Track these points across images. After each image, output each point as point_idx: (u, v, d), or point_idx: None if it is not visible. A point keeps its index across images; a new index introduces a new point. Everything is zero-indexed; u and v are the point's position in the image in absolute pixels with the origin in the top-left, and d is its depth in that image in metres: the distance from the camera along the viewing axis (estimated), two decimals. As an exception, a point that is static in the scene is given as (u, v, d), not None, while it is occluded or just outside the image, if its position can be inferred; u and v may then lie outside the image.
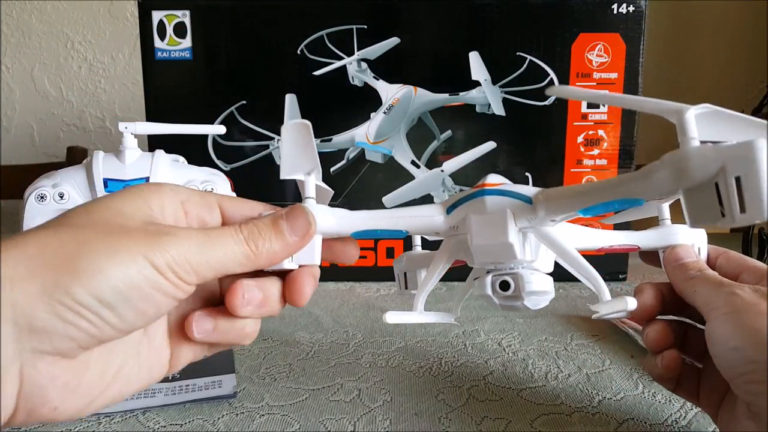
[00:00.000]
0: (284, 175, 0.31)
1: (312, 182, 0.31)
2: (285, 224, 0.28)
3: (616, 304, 0.29)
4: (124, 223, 0.25)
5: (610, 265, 0.71)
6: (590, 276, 0.30)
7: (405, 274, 0.43)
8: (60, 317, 0.22)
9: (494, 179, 0.30)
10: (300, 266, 0.29)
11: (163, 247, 0.24)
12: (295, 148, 0.30)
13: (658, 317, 0.36)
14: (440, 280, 0.32)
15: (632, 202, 0.25)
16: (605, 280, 0.31)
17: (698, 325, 0.36)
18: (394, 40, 0.68)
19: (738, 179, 0.22)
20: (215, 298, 0.30)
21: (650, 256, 0.40)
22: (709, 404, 0.34)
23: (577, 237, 0.32)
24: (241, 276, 0.28)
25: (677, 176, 0.24)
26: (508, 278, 0.29)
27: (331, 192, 0.34)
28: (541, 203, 0.28)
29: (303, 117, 0.69)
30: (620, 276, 0.72)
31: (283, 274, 0.30)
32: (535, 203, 0.28)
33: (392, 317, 0.32)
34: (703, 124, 0.25)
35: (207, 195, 0.29)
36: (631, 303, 0.29)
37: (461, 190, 0.68)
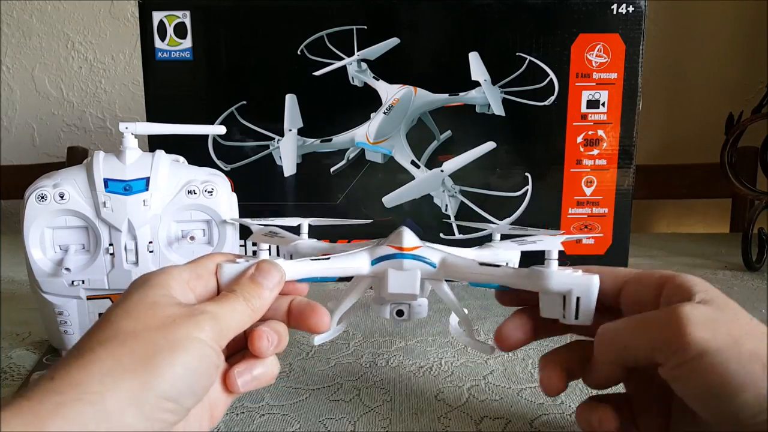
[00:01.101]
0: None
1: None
2: (263, 281, 0.33)
3: (481, 346, 0.40)
4: (164, 313, 0.29)
5: (610, 264, 0.71)
6: (462, 317, 0.41)
7: (291, 255, 0.51)
8: (145, 416, 0.25)
9: (411, 242, 0.38)
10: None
11: (201, 325, 0.29)
12: None
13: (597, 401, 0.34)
14: None
15: (507, 287, 0.36)
16: None
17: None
18: (394, 41, 0.68)
19: (578, 298, 0.33)
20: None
21: (510, 296, 0.38)
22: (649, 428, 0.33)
23: (461, 270, 0.39)
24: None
25: (540, 286, 0.34)
26: (403, 308, 0.40)
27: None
28: (441, 270, 0.38)
29: (303, 117, 0.69)
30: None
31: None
32: (438, 268, 0.38)
33: (319, 340, 0.40)
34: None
35: (199, 267, 0.33)
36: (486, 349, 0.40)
37: (452, 196, 0.68)
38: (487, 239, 0.73)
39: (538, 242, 0.37)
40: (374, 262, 0.38)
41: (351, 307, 0.41)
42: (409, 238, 0.38)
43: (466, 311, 0.41)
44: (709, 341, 0.26)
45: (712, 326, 0.26)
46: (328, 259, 0.38)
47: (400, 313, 0.40)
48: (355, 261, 0.38)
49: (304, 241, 0.52)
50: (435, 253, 0.38)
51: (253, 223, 0.51)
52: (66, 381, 0.24)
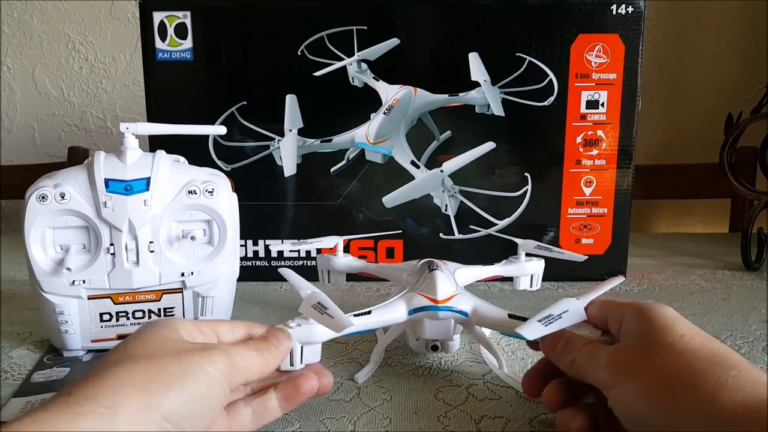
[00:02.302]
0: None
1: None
2: (274, 340, 0.36)
3: (513, 381, 0.45)
4: (177, 346, 0.31)
5: (610, 264, 0.71)
6: (491, 348, 0.46)
7: (329, 272, 0.59)
8: None
9: (445, 292, 0.42)
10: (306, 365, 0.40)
11: (213, 359, 0.30)
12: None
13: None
14: None
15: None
16: (603, 279, 0.43)
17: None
18: (394, 41, 0.68)
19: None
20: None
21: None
22: None
23: (491, 320, 0.43)
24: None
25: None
26: (437, 344, 0.46)
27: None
28: (473, 318, 0.42)
29: (303, 118, 0.69)
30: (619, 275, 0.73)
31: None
32: (471, 317, 0.42)
33: (362, 377, 0.46)
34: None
35: (204, 325, 0.36)
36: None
37: (452, 196, 0.69)
38: (486, 240, 0.73)
39: (561, 309, 0.38)
40: (411, 312, 0.42)
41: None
42: (442, 288, 0.42)
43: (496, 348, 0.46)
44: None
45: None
46: (370, 313, 0.41)
47: (435, 348, 0.45)
48: (394, 312, 0.42)
49: (340, 259, 0.57)
50: (468, 301, 0.43)
51: (285, 245, 0.62)
52: (82, 395, 0.26)
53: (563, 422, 0.36)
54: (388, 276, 0.56)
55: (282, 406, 0.37)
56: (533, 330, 0.36)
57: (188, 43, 0.68)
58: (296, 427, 0.40)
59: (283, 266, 0.72)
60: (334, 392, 0.44)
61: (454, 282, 0.45)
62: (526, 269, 0.55)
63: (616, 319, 0.35)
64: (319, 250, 0.70)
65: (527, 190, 0.70)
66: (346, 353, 0.51)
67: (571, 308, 0.37)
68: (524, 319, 0.38)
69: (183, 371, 0.29)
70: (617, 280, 0.43)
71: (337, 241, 0.57)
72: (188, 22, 0.68)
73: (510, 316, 0.41)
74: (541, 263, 0.56)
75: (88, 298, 0.48)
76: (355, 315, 0.41)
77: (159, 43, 0.68)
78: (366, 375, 0.45)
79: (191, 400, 0.28)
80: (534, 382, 0.39)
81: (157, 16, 0.67)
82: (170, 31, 0.68)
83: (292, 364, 0.38)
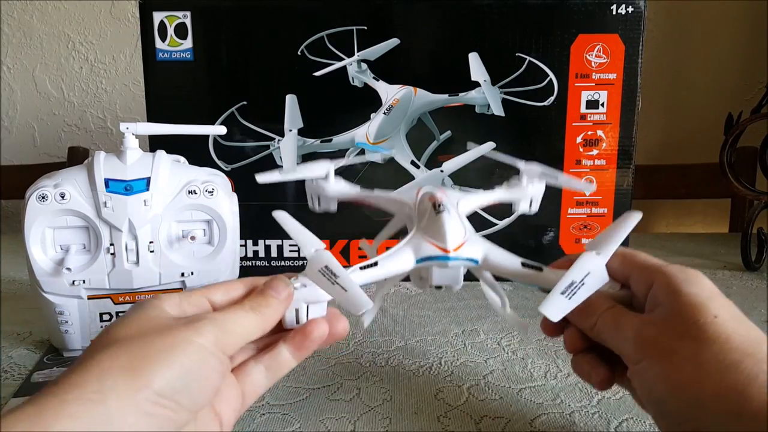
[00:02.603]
0: None
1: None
2: (271, 291, 0.34)
3: (519, 323, 0.41)
4: (162, 323, 0.29)
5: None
6: (496, 289, 0.42)
7: (319, 198, 0.52)
8: (145, 413, 0.26)
9: (455, 241, 0.38)
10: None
11: (201, 330, 0.29)
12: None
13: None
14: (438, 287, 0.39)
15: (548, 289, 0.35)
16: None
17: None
18: (394, 41, 0.68)
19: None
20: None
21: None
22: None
23: (503, 268, 0.40)
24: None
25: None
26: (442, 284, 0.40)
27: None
28: (484, 265, 0.39)
29: (303, 118, 0.69)
30: (635, 213, 0.72)
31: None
32: (481, 264, 0.38)
33: (367, 320, 0.40)
34: None
35: (193, 296, 0.34)
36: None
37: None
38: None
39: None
40: (419, 261, 0.38)
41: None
42: (452, 235, 0.38)
43: (503, 291, 0.42)
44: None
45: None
46: (377, 264, 0.37)
47: (438, 287, 0.39)
48: (401, 262, 0.38)
49: (331, 185, 0.51)
50: (478, 247, 0.39)
51: (272, 178, 0.51)
52: (67, 383, 0.25)
53: (583, 371, 0.34)
54: (384, 206, 0.51)
55: (295, 356, 0.35)
56: (557, 308, 0.33)
57: (188, 43, 0.68)
58: (296, 427, 0.40)
59: (282, 266, 0.73)
60: (334, 392, 0.44)
61: (463, 224, 0.41)
62: (527, 193, 0.51)
63: (643, 282, 0.33)
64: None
65: (527, 190, 0.70)
66: (347, 352, 0.51)
67: (593, 269, 0.34)
68: (539, 269, 0.37)
69: (169, 346, 0.28)
70: (634, 219, 0.39)
71: (328, 167, 0.51)
72: (188, 22, 0.68)
73: (524, 264, 0.38)
74: (542, 186, 0.52)
75: (88, 298, 0.48)
76: (361, 268, 0.37)
77: (159, 43, 0.68)
78: (370, 319, 0.42)
79: (183, 374, 0.27)
80: (553, 323, 0.37)
81: (157, 16, 0.67)
82: (170, 31, 0.68)
83: (297, 322, 0.35)
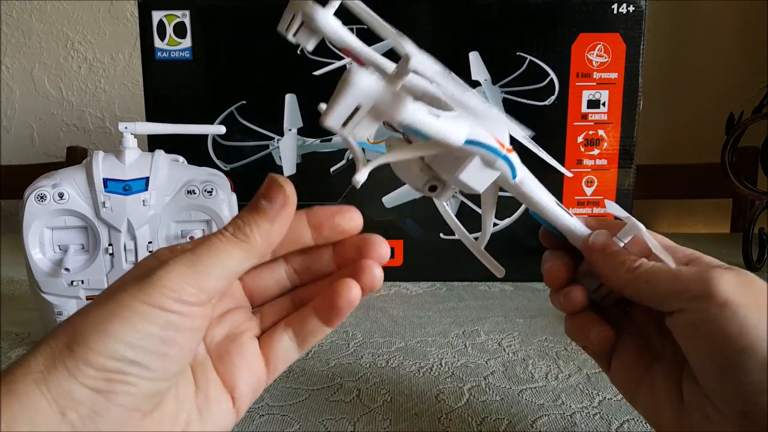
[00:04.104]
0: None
1: None
2: (262, 200, 0.28)
3: (495, 265, 0.38)
4: (119, 285, 0.25)
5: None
6: (488, 223, 0.39)
7: (301, 24, 0.34)
8: (95, 390, 0.22)
9: (507, 137, 0.33)
10: None
11: (154, 284, 0.24)
12: None
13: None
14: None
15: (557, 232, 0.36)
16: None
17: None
18: (394, 40, 0.68)
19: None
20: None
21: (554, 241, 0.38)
22: (621, 378, 0.32)
23: (534, 200, 0.38)
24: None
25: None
26: (438, 185, 0.35)
27: None
28: (517, 186, 0.35)
29: (303, 117, 0.69)
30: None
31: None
32: (515, 183, 0.35)
33: (360, 178, 0.31)
34: None
35: (190, 243, 0.29)
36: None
37: (452, 196, 0.68)
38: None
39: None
40: (467, 143, 0.32)
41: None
42: (506, 135, 0.34)
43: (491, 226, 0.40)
44: (736, 296, 0.26)
45: (740, 289, 0.27)
46: (438, 117, 0.31)
47: (433, 188, 0.35)
48: (456, 131, 0.32)
49: (328, 18, 0.32)
50: (521, 164, 0.35)
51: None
52: (17, 365, 0.23)
53: (582, 330, 0.32)
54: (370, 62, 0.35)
55: (327, 324, 0.30)
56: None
57: (187, 43, 0.68)
58: (296, 428, 0.40)
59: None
60: (334, 393, 0.44)
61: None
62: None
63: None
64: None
65: (528, 189, 0.70)
66: (347, 353, 0.51)
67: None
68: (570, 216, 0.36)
69: (105, 317, 0.23)
70: (640, 229, 0.36)
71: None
72: (187, 21, 0.67)
73: (558, 205, 0.36)
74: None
75: (87, 299, 0.48)
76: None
77: (158, 43, 0.68)
78: (363, 178, 0.32)
79: (130, 342, 0.23)
80: (548, 236, 0.36)
81: (156, 16, 0.67)
82: (169, 30, 0.68)
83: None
